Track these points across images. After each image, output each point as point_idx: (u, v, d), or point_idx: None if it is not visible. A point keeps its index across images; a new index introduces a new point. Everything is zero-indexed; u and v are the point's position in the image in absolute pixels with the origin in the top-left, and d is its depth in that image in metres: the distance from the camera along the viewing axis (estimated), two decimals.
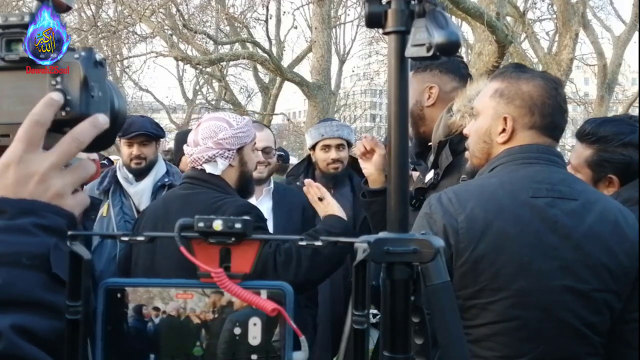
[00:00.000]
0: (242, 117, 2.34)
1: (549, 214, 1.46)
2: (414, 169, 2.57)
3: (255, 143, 2.34)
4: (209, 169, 2.18)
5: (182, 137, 4.51)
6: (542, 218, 1.46)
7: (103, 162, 5.26)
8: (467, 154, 1.79)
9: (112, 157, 5.50)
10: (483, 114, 1.66)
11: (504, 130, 1.59)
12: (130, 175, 3.23)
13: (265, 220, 2.27)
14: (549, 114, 1.56)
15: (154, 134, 3.20)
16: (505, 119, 1.59)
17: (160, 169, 3.27)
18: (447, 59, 2.17)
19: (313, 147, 3.33)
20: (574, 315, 1.44)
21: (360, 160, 2.35)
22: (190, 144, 2.22)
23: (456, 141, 2.08)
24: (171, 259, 1.91)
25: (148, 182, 3.19)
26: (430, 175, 2.14)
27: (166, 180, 3.20)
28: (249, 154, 2.26)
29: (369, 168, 2.29)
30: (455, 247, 1.46)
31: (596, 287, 1.45)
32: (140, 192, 3.16)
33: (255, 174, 2.41)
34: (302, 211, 2.88)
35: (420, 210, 1.59)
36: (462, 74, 2.28)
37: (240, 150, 2.22)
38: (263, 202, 2.96)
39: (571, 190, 1.51)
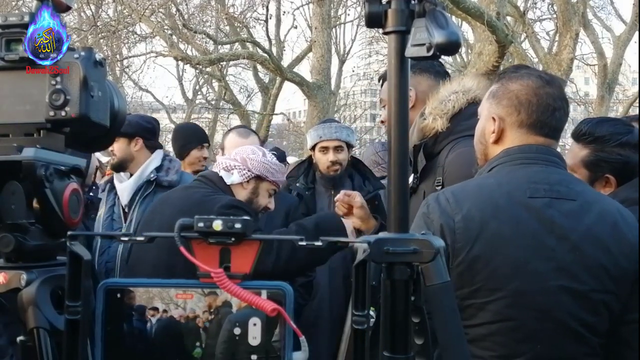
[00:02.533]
0: (280, 164, 2.44)
1: (546, 215, 1.46)
2: None
3: (276, 190, 2.39)
4: (223, 174, 2.30)
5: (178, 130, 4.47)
6: (539, 218, 1.46)
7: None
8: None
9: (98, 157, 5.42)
10: (481, 116, 1.68)
11: (494, 130, 1.60)
12: (123, 174, 3.19)
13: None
14: (534, 111, 1.55)
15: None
16: (493, 119, 1.60)
17: (149, 166, 3.17)
18: None
19: (313, 148, 3.32)
20: (571, 316, 1.44)
21: (344, 218, 2.33)
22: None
23: (430, 144, 2.10)
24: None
25: (132, 180, 3.12)
26: (410, 179, 2.16)
27: (152, 176, 3.09)
28: (264, 191, 2.33)
29: (356, 222, 2.31)
30: (452, 247, 1.46)
31: (594, 288, 1.44)
32: (123, 189, 3.10)
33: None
34: (286, 215, 2.85)
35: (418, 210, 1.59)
36: (437, 71, 2.29)
37: (258, 178, 2.30)
38: None
39: (569, 190, 1.50)
